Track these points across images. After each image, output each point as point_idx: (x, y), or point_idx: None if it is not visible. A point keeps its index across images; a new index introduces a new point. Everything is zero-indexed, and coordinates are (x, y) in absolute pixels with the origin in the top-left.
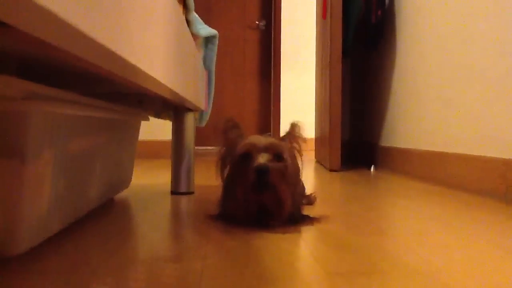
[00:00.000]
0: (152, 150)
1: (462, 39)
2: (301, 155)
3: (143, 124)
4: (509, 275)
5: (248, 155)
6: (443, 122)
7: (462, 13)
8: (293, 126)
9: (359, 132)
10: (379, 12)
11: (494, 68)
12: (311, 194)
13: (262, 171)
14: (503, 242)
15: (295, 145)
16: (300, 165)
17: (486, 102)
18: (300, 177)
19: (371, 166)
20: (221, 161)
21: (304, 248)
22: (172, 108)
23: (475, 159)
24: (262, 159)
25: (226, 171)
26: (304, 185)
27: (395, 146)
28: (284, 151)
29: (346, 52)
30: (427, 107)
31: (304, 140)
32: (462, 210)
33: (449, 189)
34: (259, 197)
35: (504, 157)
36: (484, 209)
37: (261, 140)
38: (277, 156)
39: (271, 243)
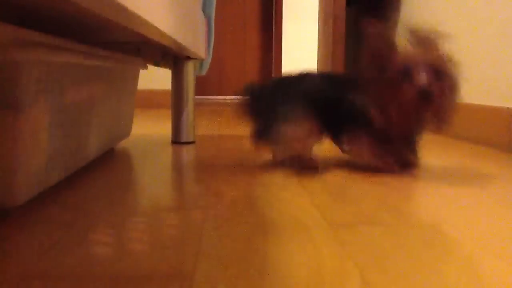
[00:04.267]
0: (152, 100)
1: None
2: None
3: (142, 73)
4: (509, 225)
5: (409, 69)
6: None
7: None
8: (430, 37)
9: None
10: None
11: (501, 13)
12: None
13: (428, 93)
14: (504, 193)
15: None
16: None
17: (492, 50)
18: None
19: None
20: (365, 76)
21: (306, 198)
22: (172, 56)
23: (479, 109)
24: (425, 78)
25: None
26: None
27: None
28: (445, 71)
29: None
30: None
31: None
32: (465, 160)
33: (452, 139)
34: (421, 107)
35: (509, 106)
36: (487, 159)
37: (421, 54)
38: (439, 73)
39: (272, 194)
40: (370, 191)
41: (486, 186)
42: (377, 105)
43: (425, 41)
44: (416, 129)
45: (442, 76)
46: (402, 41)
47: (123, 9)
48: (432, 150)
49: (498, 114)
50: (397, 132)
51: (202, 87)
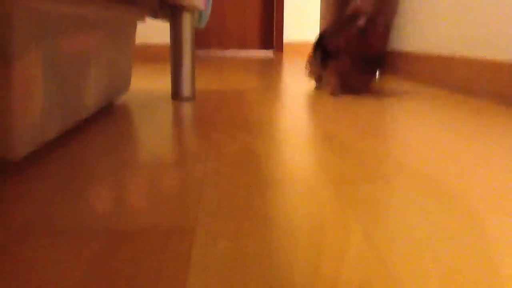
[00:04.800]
0: (152, 54)
1: None
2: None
3: (140, 27)
4: (505, 175)
5: (354, 15)
6: (451, 24)
7: None
8: None
9: None
10: None
11: None
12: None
13: (363, 29)
14: (507, 145)
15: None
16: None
17: (493, 3)
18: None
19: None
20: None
21: (307, 153)
22: (169, 7)
23: (482, 62)
24: (362, 21)
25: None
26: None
27: (401, 50)
28: (378, 16)
29: None
30: (435, 8)
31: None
32: (469, 114)
33: (456, 93)
34: (359, 40)
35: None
36: (489, 113)
37: (363, 5)
38: (373, 19)
39: (273, 148)
40: (366, 142)
41: (487, 138)
42: (339, 40)
43: None
44: (366, 58)
45: (375, 21)
46: None
47: None
48: (433, 104)
49: (501, 67)
50: (352, 57)
51: (202, 40)
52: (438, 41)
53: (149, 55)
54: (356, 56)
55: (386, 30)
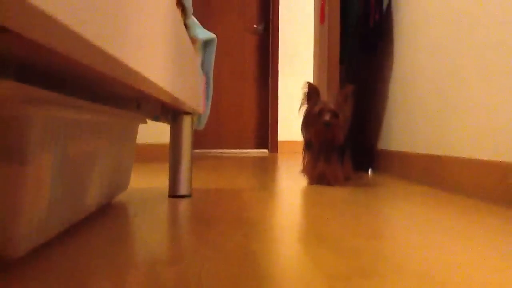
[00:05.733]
0: (149, 153)
1: (460, 39)
2: (349, 111)
3: (139, 127)
4: (506, 277)
5: (320, 112)
6: (441, 125)
7: (461, 11)
8: (348, 89)
9: (356, 136)
10: (377, 16)
11: (494, 67)
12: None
13: (328, 123)
14: (500, 245)
15: (347, 103)
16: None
17: (485, 104)
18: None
19: (368, 170)
20: (305, 113)
21: (302, 251)
22: (170, 111)
23: (473, 163)
24: (327, 116)
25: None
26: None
27: (393, 149)
28: (340, 112)
29: (343, 58)
30: (425, 110)
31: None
32: (460, 213)
33: (448, 193)
34: (325, 131)
35: (502, 160)
36: (482, 212)
37: (328, 104)
38: (336, 114)
39: (268, 246)
40: (359, 240)
41: (481, 237)
42: (309, 131)
43: (335, 96)
44: (331, 147)
45: (337, 116)
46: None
47: (125, 67)
48: (426, 203)
49: (492, 168)
50: (320, 146)
51: (200, 140)
52: (427, 141)
53: (145, 154)
54: (324, 145)
55: (345, 123)
